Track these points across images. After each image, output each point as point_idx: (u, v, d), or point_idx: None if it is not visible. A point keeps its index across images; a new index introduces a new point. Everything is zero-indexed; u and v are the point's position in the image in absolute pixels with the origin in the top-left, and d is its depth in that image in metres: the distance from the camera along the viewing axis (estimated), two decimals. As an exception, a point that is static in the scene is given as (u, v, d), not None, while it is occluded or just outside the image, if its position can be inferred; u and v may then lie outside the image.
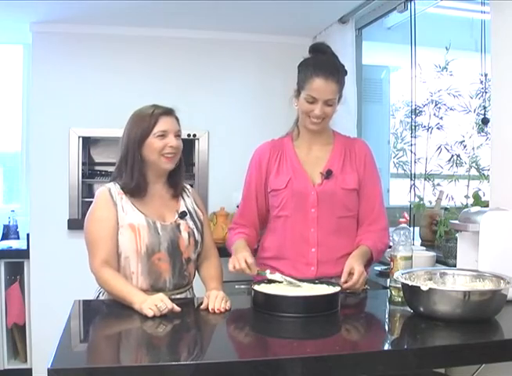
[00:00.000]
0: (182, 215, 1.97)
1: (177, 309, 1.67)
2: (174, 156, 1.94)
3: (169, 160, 1.93)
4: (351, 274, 1.87)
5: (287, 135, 2.16)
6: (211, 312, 1.69)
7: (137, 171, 1.92)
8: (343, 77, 2.04)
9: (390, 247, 1.94)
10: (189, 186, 2.11)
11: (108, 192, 1.92)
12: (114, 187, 1.93)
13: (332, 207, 2.01)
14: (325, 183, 2.01)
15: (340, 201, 2.02)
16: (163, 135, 1.91)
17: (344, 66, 2.08)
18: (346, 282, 1.86)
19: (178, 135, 1.96)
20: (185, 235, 1.94)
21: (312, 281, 1.83)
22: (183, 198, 2.04)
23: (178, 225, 1.95)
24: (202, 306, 1.74)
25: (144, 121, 1.92)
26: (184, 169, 2.06)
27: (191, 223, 1.98)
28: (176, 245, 1.92)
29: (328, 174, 2.02)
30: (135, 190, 1.92)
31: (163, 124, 1.92)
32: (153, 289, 1.87)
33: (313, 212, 2.00)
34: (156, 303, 1.64)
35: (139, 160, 1.92)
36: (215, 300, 1.73)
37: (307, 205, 2.01)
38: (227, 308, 1.72)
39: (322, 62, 2.02)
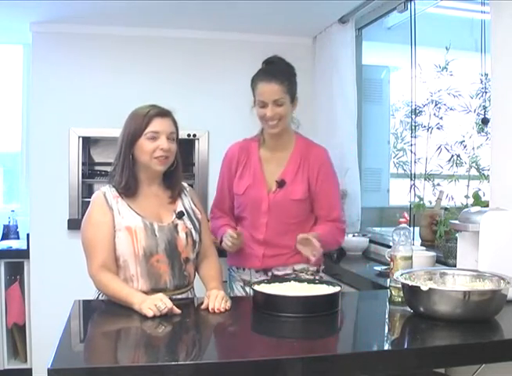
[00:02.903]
0: (180, 216, 1.96)
1: (177, 310, 1.66)
2: (166, 159, 1.92)
3: (160, 163, 1.92)
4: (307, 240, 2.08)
5: (256, 139, 2.35)
6: (211, 312, 1.69)
7: (128, 171, 1.91)
8: (289, 79, 2.21)
9: (390, 247, 1.94)
10: (186, 185, 2.10)
11: (103, 196, 1.91)
12: (109, 191, 1.92)
13: (281, 215, 2.23)
14: (277, 192, 2.24)
15: (289, 210, 2.24)
16: (154, 138, 1.89)
17: (291, 70, 2.27)
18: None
19: (171, 137, 1.93)
20: (182, 235, 1.93)
21: (313, 281, 1.83)
22: (181, 198, 2.03)
23: (175, 226, 1.94)
24: (202, 306, 1.74)
25: (137, 121, 1.91)
26: (181, 171, 2.04)
27: (189, 223, 1.97)
28: (174, 246, 1.91)
29: (281, 184, 2.24)
30: (126, 190, 1.91)
31: (155, 125, 1.90)
32: (154, 291, 1.86)
33: (264, 218, 2.25)
34: (156, 303, 1.64)
35: (130, 159, 1.92)
36: (215, 300, 1.72)
37: (260, 211, 2.25)
38: (227, 308, 1.72)
39: (263, 69, 2.28)
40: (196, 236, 1.98)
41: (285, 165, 2.26)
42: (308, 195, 2.25)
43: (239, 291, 2.36)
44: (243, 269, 2.33)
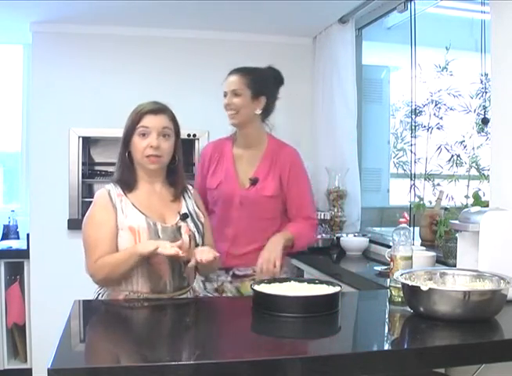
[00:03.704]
0: (184, 217, 1.93)
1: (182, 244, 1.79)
2: (157, 158, 1.89)
3: (151, 162, 1.89)
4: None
5: (230, 137, 2.45)
6: (199, 262, 1.81)
7: (124, 167, 1.91)
8: (257, 77, 2.33)
9: (390, 247, 1.94)
10: (190, 187, 2.08)
11: (107, 194, 1.89)
12: (114, 189, 1.90)
13: (253, 211, 2.29)
14: (250, 189, 2.32)
15: (261, 206, 2.30)
16: (145, 134, 1.87)
17: (269, 72, 2.40)
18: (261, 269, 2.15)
19: (164, 133, 1.90)
20: (185, 238, 1.89)
21: (313, 281, 1.83)
22: (184, 199, 2.01)
23: (178, 228, 1.91)
24: (189, 264, 1.83)
25: (131, 118, 1.91)
26: (181, 168, 2.01)
27: (192, 225, 1.95)
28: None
29: (254, 181, 2.31)
30: (125, 185, 1.91)
31: (146, 121, 1.88)
32: (154, 292, 1.85)
33: (235, 212, 2.31)
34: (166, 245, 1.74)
35: (126, 156, 1.91)
36: (201, 253, 1.81)
37: (232, 206, 2.31)
38: (212, 257, 1.80)
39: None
40: (198, 239, 1.95)
41: (257, 163, 2.35)
42: (279, 192, 2.33)
43: (198, 284, 2.35)
44: None
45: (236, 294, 2.35)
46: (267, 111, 2.37)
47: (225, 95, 2.33)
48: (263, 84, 2.34)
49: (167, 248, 1.75)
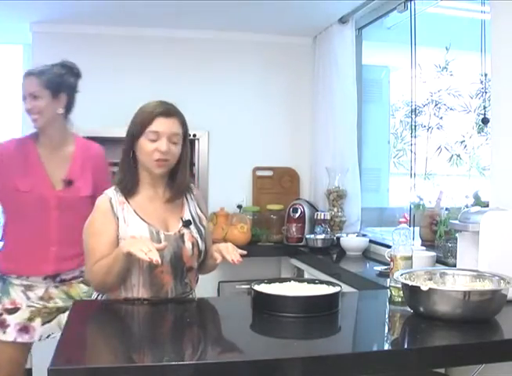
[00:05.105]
0: (187, 224, 1.88)
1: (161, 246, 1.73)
2: (165, 162, 1.82)
3: (159, 166, 1.83)
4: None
5: (30, 137, 2.32)
6: (232, 263, 1.78)
7: (129, 170, 1.86)
8: (49, 76, 2.25)
9: (390, 247, 1.94)
10: (194, 188, 2.01)
11: (109, 202, 1.83)
12: (115, 196, 1.84)
13: (72, 213, 2.20)
14: (65, 191, 2.25)
15: (80, 207, 2.16)
16: (154, 138, 1.81)
17: (57, 70, 2.29)
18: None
19: (174, 139, 1.83)
20: (188, 245, 1.86)
21: (313, 281, 1.83)
22: (187, 202, 1.95)
23: (182, 235, 1.86)
24: (218, 261, 1.82)
25: (141, 119, 1.84)
26: (185, 168, 1.92)
27: (195, 232, 1.89)
28: (179, 256, 1.84)
29: (69, 183, 2.25)
30: (126, 189, 1.85)
31: (157, 124, 1.81)
32: (154, 299, 1.83)
33: (54, 216, 2.22)
34: (143, 248, 1.66)
35: (131, 157, 1.86)
36: (231, 252, 1.80)
37: (48, 209, 2.22)
38: (243, 254, 1.81)
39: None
40: (202, 245, 1.90)
41: (68, 165, 2.29)
42: (96, 191, 2.16)
43: (16, 294, 2.23)
44: (27, 277, 2.22)
45: (67, 299, 2.24)
46: (69, 107, 2.34)
47: (25, 99, 2.27)
48: (60, 81, 2.29)
49: (143, 253, 1.66)
